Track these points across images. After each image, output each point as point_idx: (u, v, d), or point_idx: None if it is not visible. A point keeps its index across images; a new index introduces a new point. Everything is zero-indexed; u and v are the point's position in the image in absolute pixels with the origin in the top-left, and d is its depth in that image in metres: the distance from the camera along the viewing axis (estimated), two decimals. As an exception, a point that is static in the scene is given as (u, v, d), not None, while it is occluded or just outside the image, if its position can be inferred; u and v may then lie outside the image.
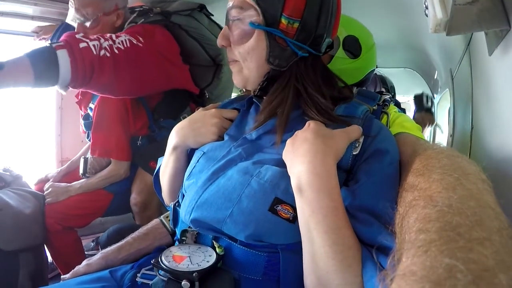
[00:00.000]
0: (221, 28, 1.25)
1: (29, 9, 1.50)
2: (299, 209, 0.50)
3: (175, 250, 0.58)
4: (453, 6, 0.48)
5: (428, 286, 0.25)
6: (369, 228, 0.48)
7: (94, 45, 0.98)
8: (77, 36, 0.97)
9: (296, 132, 0.55)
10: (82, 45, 0.95)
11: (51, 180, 1.43)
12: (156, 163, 1.33)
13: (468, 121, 0.89)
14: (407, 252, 0.31)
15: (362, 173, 0.54)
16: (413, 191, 0.42)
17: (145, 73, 1.16)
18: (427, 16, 0.54)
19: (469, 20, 0.50)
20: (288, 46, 0.61)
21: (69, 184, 1.36)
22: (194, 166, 0.66)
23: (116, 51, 1.04)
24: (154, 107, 1.42)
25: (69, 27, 1.28)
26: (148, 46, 1.16)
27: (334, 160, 0.50)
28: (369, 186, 0.52)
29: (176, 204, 0.70)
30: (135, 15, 1.31)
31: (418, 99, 1.75)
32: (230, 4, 0.63)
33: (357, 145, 0.55)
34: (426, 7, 0.53)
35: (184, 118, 0.93)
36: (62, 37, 0.97)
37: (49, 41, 1.07)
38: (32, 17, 1.55)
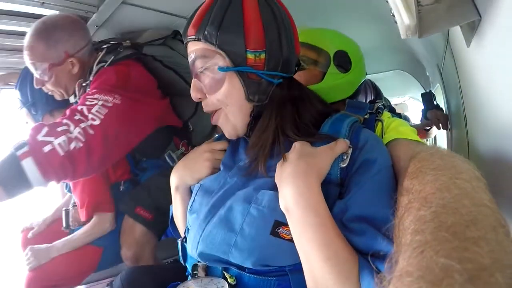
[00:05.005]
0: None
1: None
2: (291, 230, 0.50)
3: (189, 284, 0.59)
4: (419, 8, 0.49)
5: (425, 286, 0.25)
6: (363, 237, 0.47)
7: (60, 144, 0.88)
8: (39, 138, 0.88)
9: (284, 154, 0.56)
10: (46, 148, 0.87)
11: (36, 229, 1.36)
12: (143, 209, 1.24)
13: (461, 114, 0.89)
14: (403, 254, 0.31)
15: (353, 184, 0.54)
16: (408, 194, 0.42)
17: (129, 131, 1.06)
18: (396, 23, 0.54)
19: (438, 18, 0.50)
20: (262, 78, 0.62)
21: (50, 245, 1.22)
22: (194, 200, 0.67)
23: (91, 131, 0.93)
24: (134, 150, 1.25)
25: (28, 72, 1.16)
26: (126, 99, 1.04)
27: (316, 179, 0.51)
28: (360, 195, 0.52)
29: (184, 240, 0.70)
30: (103, 52, 1.16)
31: (427, 97, 1.62)
32: (192, 56, 0.63)
33: (345, 157, 0.55)
34: (393, 15, 0.53)
35: (169, 155, 0.92)
36: (27, 139, 0.88)
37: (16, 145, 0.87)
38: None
